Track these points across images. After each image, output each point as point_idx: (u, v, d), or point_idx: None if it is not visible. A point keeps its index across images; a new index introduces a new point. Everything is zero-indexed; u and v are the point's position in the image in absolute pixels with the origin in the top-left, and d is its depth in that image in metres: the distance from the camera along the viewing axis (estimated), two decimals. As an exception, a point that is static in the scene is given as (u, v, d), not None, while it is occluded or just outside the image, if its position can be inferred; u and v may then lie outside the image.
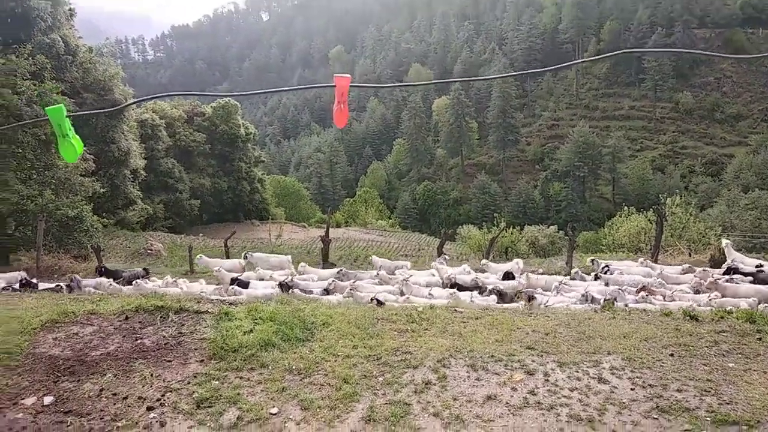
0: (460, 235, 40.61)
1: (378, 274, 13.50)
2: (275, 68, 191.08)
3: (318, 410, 5.07)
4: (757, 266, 12.00)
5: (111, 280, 13.17)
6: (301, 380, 5.65)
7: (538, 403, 5.11)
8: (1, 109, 19.59)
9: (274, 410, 5.10)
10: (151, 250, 30.11)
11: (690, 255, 18.08)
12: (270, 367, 5.90)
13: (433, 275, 13.54)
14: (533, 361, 5.93)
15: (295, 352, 6.27)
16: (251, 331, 6.66)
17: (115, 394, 5.38)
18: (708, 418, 4.72)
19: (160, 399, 5.30)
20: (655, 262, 15.39)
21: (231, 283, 11.89)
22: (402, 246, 50.54)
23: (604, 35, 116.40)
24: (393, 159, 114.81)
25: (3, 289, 11.31)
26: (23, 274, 12.80)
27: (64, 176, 20.92)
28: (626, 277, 12.23)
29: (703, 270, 12.06)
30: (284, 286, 11.40)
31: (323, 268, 16.27)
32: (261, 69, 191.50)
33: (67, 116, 2.92)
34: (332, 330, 6.94)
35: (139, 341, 6.52)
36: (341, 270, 14.04)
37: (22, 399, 5.28)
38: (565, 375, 5.60)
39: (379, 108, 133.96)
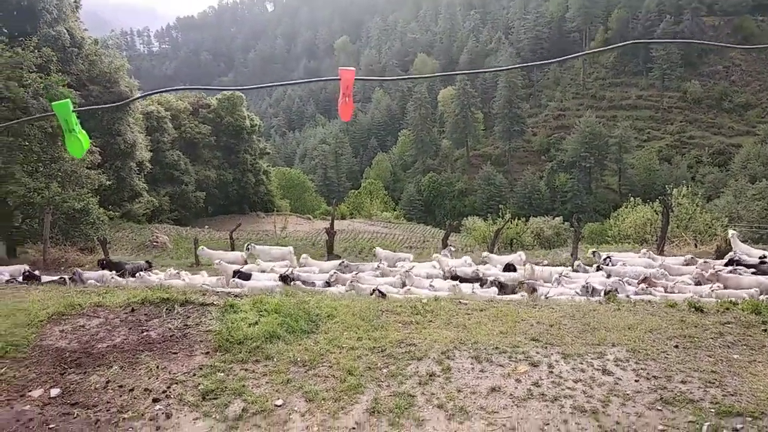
0: (465, 227, 40.64)
1: (378, 266, 13.54)
2: (280, 59, 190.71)
3: (323, 402, 5.09)
4: (760, 257, 11.93)
5: (114, 272, 13.26)
6: (305, 372, 5.68)
7: (542, 394, 5.11)
8: (8, 102, 19.65)
9: (279, 402, 5.12)
10: (157, 242, 30.26)
11: (696, 246, 18.00)
12: (275, 359, 5.93)
13: (435, 267, 13.57)
14: (537, 352, 5.92)
15: (299, 344, 6.30)
16: (256, 323, 6.68)
17: (121, 386, 5.42)
18: (712, 410, 4.71)
19: (165, 391, 5.34)
20: (661, 253, 15.33)
21: (233, 276, 11.96)
22: (407, 238, 50.58)
23: (611, 24, 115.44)
24: (398, 150, 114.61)
25: (7, 282, 11.40)
26: (26, 266, 12.91)
27: (71, 169, 21.01)
28: (628, 268, 12.20)
29: (705, 261, 12.02)
30: (286, 279, 11.44)
31: (328, 260, 16.32)
32: (266, 60, 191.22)
33: (73, 111, 2.92)
34: (337, 322, 6.96)
35: (145, 333, 6.56)
36: (343, 262, 14.07)
37: (30, 391, 5.33)
38: (569, 367, 5.60)
39: (385, 99, 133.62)
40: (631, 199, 29.98)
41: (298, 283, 11.27)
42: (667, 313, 7.20)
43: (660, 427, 4.51)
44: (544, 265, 13.95)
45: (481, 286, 11.35)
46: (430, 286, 11.08)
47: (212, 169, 62.56)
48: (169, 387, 5.40)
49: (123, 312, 7.15)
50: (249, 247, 16.01)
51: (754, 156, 72.43)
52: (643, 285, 10.33)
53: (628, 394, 5.04)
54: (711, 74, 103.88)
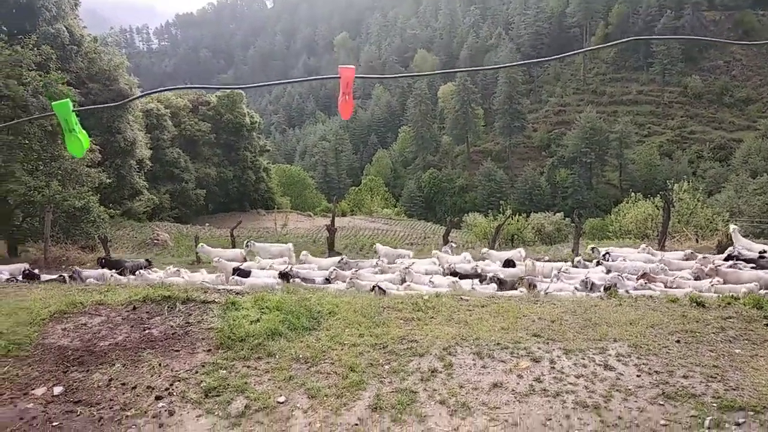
0: (465, 223, 40.63)
1: (377, 263, 13.57)
2: (280, 55, 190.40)
3: (325, 398, 5.11)
4: (760, 252, 11.93)
5: (113, 271, 13.28)
6: (308, 369, 5.69)
7: (544, 390, 5.12)
8: (8, 100, 19.62)
9: (282, 399, 5.14)
10: (158, 240, 30.27)
11: (697, 241, 17.99)
12: (277, 356, 5.94)
13: (434, 263, 13.59)
14: (539, 348, 5.93)
15: (301, 341, 6.31)
16: (258, 320, 6.70)
17: (124, 384, 5.44)
18: (714, 404, 4.72)
19: (168, 388, 5.35)
20: (662, 248, 15.33)
21: (233, 273, 11.98)
22: (407, 234, 50.56)
23: (612, 19, 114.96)
24: (398, 147, 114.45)
25: (7, 280, 11.42)
26: (26, 265, 12.93)
27: (71, 167, 20.99)
28: (628, 263, 12.20)
29: (704, 257, 12.02)
30: (285, 275, 11.46)
31: (329, 256, 16.32)
32: (265, 56, 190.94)
33: (73, 111, 2.91)
34: (338, 319, 6.97)
35: (146, 331, 6.58)
36: (342, 259, 14.09)
37: (33, 389, 5.35)
38: (571, 362, 5.61)
39: (384, 95, 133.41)
40: (632, 194, 29.92)
41: (297, 280, 11.29)
42: (669, 308, 7.20)
43: (662, 422, 4.52)
44: (546, 261, 13.95)
45: (481, 282, 11.36)
46: (430, 282, 11.11)
47: (212, 166, 62.51)
48: (171, 384, 5.42)
49: (125, 310, 7.17)
50: (248, 244, 16.05)
51: (755, 151, 72.19)
52: (642, 280, 10.34)
53: (629, 389, 5.05)
54: (712, 69, 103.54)
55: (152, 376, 5.59)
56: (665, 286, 10.22)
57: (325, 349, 6.10)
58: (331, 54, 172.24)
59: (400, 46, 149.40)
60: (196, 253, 18.31)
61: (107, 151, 34.06)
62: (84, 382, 5.49)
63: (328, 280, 11.67)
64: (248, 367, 5.75)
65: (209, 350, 6.12)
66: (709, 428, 4.39)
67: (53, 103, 2.82)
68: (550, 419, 4.66)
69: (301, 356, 5.93)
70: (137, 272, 13.03)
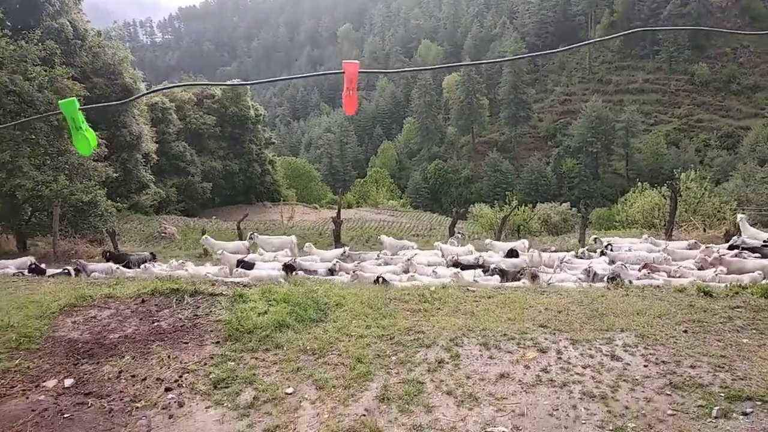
0: (471, 214, 40.59)
1: (379, 255, 13.64)
2: (283, 47, 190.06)
3: (332, 389, 5.14)
4: (764, 241, 11.88)
5: (118, 264, 13.37)
6: (315, 360, 5.73)
7: (551, 380, 5.13)
8: (14, 95, 19.68)
9: (290, 390, 5.17)
10: (165, 233, 30.41)
11: (705, 230, 17.90)
12: (285, 348, 5.98)
13: (437, 255, 13.64)
14: (546, 338, 5.94)
15: (309, 333, 6.35)
16: (266, 312, 6.74)
17: (133, 376, 5.49)
18: (722, 394, 4.71)
19: (177, 380, 5.40)
20: (670, 237, 15.27)
21: (237, 265, 12.06)
22: (413, 226, 50.58)
23: (617, 6, 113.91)
24: (403, 138, 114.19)
25: (13, 275, 11.51)
26: (32, 259, 13.04)
27: (78, 161, 21.07)
28: (631, 254, 12.18)
29: (707, 246, 11.98)
30: (289, 267, 11.53)
31: (335, 249, 16.39)
32: (269, 48, 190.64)
33: (80, 108, 2.93)
34: (345, 310, 7.01)
35: (155, 324, 6.63)
36: (345, 251, 14.16)
37: (44, 381, 5.41)
38: (577, 352, 5.62)
39: (389, 87, 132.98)
40: (639, 183, 29.76)
41: (300, 272, 11.35)
42: (676, 297, 7.19)
43: (669, 412, 4.53)
44: (552, 252, 13.93)
45: (484, 273, 11.39)
46: (433, 272, 11.18)
47: (218, 159, 62.64)
48: (180, 376, 5.47)
49: (133, 303, 7.23)
50: (251, 236, 16.18)
51: (763, 139, 71.54)
52: (644, 270, 10.32)
53: (636, 380, 5.05)
54: (719, 56, 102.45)
55: (161, 368, 5.64)
56: (668, 276, 10.20)
57: (333, 340, 6.13)
58: (335, 45, 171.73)
59: (403, 37, 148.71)
60: (203, 245, 18.42)
61: (113, 146, 34.21)
62: (94, 374, 5.55)
63: (331, 272, 11.73)
64: (256, 358, 5.79)
65: (217, 342, 6.17)
66: (716, 418, 4.40)
67: (60, 101, 2.83)
68: (557, 409, 4.67)
69: (308, 348, 5.97)
70: (142, 266, 13.11)
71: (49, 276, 11.17)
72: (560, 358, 5.53)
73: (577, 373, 5.22)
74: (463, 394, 4.96)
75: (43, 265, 12.73)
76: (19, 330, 6.32)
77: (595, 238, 14.64)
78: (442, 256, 13.57)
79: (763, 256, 10.90)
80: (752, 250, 11.45)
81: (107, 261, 14.11)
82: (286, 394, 5.11)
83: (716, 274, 9.68)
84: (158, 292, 7.49)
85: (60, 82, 21.25)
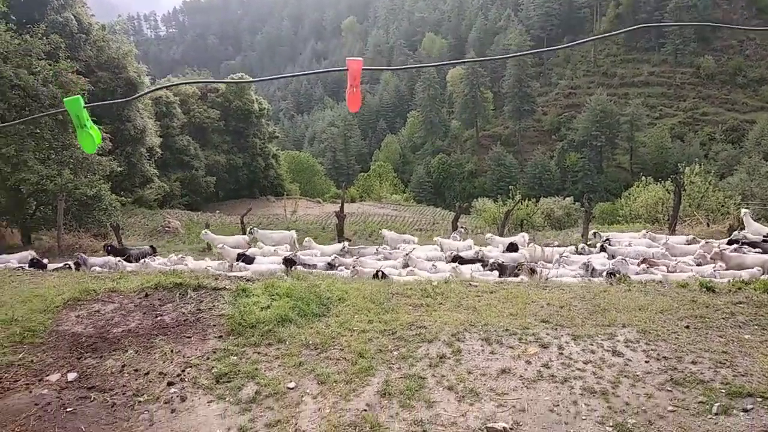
0: (475, 208, 40.53)
1: (378, 250, 13.67)
2: (287, 41, 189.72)
3: (334, 384, 5.16)
4: (764, 236, 11.83)
5: (119, 258, 13.42)
6: (317, 355, 5.75)
7: (552, 376, 5.14)
8: (18, 90, 19.73)
9: (292, 385, 5.20)
10: (169, 227, 30.49)
11: (708, 225, 17.81)
12: (287, 343, 6.00)
13: (436, 249, 13.67)
14: (548, 334, 5.94)
15: (311, 328, 6.36)
16: (268, 307, 6.76)
17: (136, 370, 5.52)
18: (723, 390, 4.71)
19: (180, 374, 5.43)
20: (673, 232, 15.22)
21: (237, 259, 12.10)
22: (416, 220, 50.58)
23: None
24: (407, 132, 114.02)
25: (15, 269, 11.55)
26: (33, 253, 13.09)
27: (82, 156, 21.12)
28: (631, 249, 12.15)
29: (707, 241, 11.93)
30: (289, 262, 11.57)
31: (339, 242, 16.43)
32: (273, 42, 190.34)
33: (84, 106, 2.94)
34: (348, 305, 7.02)
35: (159, 318, 6.66)
36: (345, 246, 14.21)
37: (47, 375, 5.44)
38: (579, 348, 5.62)
39: (393, 80, 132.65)
40: (643, 178, 29.60)
41: (299, 267, 11.40)
42: (678, 293, 7.18)
43: (670, 408, 4.53)
44: (555, 246, 13.91)
45: (483, 267, 11.40)
46: (433, 266, 11.21)
47: (222, 153, 62.70)
48: (183, 370, 5.50)
49: (137, 297, 7.26)
50: (251, 231, 16.28)
51: (769, 132, 71.12)
52: (643, 266, 10.31)
53: (638, 375, 5.06)
54: (725, 49, 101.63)
55: (164, 362, 5.67)
56: (668, 271, 10.18)
57: (335, 335, 6.15)
58: (339, 38, 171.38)
59: (408, 30, 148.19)
60: (204, 240, 18.48)
61: (118, 140, 34.28)
62: (97, 368, 5.59)
63: (331, 266, 11.78)
64: (259, 353, 5.82)
65: (220, 336, 6.20)
66: (716, 414, 4.40)
67: (65, 99, 2.84)
68: (558, 405, 4.68)
69: (310, 342, 5.99)
70: (141, 260, 13.15)
71: (50, 270, 11.22)
72: (561, 353, 5.54)
73: (579, 369, 5.23)
74: (464, 390, 4.97)
75: (45, 260, 12.78)
76: (23, 324, 6.36)
77: (594, 233, 14.63)
78: (441, 250, 13.60)
79: (764, 252, 10.85)
80: (752, 245, 11.40)
81: (108, 255, 14.17)
82: (288, 388, 5.14)
83: (714, 270, 9.64)
84: (162, 286, 7.52)
85: (64, 76, 21.30)
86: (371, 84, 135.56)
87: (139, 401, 5.04)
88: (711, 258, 10.51)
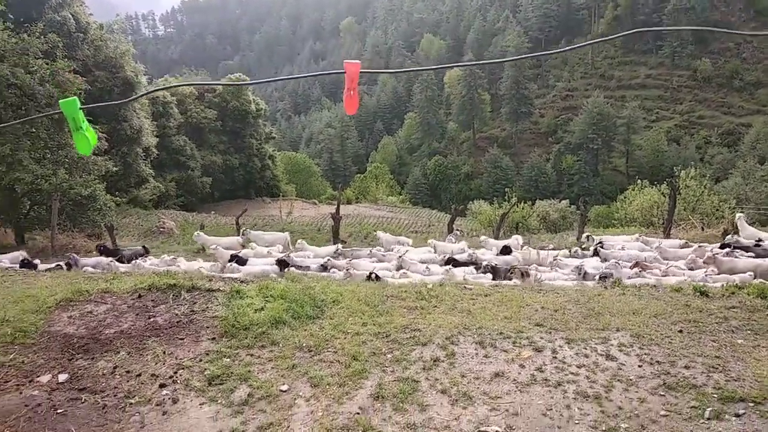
0: (470, 211, 40.56)
1: (371, 252, 13.68)
2: (286, 41, 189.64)
3: (327, 387, 5.14)
4: (756, 240, 11.87)
5: (111, 258, 13.36)
6: (311, 357, 5.73)
7: (546, 380, 5.13)
8: (15, 89, 19.64)
9: (285, 387, 5.18)
10: (164, 228, 30.38)
11: (703, 229, 17.86)
12: (281, 345, 5.98)
13: (430, 251, 13.69)
14: (542, 338, 5.94)
15: (305, 330, 6.35)
16: (262, 308, 6.74)
17: (128, 372, 5.50)
18: (715, 395, 4.71)
19: (172, 376, 5.41)
20: (668, 236, 15.26)
21: (230, 260, 12.09)
22: (412, 222, 50.53)
23: (620, 0, 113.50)
24: (404, 133, 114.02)
25: (6, 269, 11.47)
26: (24, 253, 13.01)
27: (78, 155, 21.02)
28: (623, 252, 12.19)
29: (699, 245, 11.97)
30: (282, 263, 11.56)
31: (334, 244, 16.41)
32: (271, 42, 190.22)
33: (81, 108, 2.92)
34: (342, 307, 7.01)
35: (151, 319, 6.63)
36: (338, 248, 14.22)
37: (38, 376, 5.41)
38: (573, 352, 5.62)
39: (390, 81, 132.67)
40: (639, 181, 29.69)
41: (292, 268, 11.39)
42: (672, 297, 7.19)
43: (662, 413, 4.53)
44: (550, 249, 13.94)
45: (476, 270, 11.42)
46: (426, 268, 11.22)
47: (218, 154, 62.54)
48: (175, 372, 5.47)
49: (130, 298, 7.23)
50: (245, 232, 16.30)
51: (764, 136, 71.40)
52: (636, 269, 10.34)
53: (631, 380, 5.06)
54: (722, 52, 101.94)
55: (156, 364, 5.64)
56: (660, 275, 10.20)
57: (329, 337, 6.13)
58: (338, 39, 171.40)
59: (406, 31, 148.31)
60: (196, 241, 18.44)
61: (114, 139, 34.13)
62: (89, 369, 5.55)
63: (324, 268, 11.77)
64: (252, 355, 5.80)
65: (213, 338, 6.17)
66: (709, 419, 4.40)
67: (61, 101, 2.82)
68: (551, 409, 4.68)
69: (304, 345, 5.97)
70: (133, 261, 13.09)
71: (41, 271, 11.15)
72: (555, 357, 5.53)
73: (572, 373, 5.23)
74: (458, 393, 4.97)
75: (36, 261, 12.70)
76: (15, 324, 6.32)
77: (587, 236, 14.69)
78: (435, 252, 13.62)
79: (757, 256, 10.88)
80: (745, 249, 11.43)
81: (101, 255, 14.11)
82: (281, 391, 5.12)
83: (706, 274, 9.66)
84: (155, 287, 7.49)
85: (61, 75, 21.19)
86: (369, 85, 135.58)
87: (131, 403, 5.01)
88: (704, 262, 10.54)
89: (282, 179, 72.64)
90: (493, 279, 10.67)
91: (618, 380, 5.06)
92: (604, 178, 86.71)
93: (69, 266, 12.15)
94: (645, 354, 5.50)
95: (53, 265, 12.33)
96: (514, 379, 5.18)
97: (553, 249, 14.17)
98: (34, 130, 19.63)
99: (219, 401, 4.99)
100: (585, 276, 10.21)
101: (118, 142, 38.92)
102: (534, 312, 6.75)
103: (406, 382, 5.17)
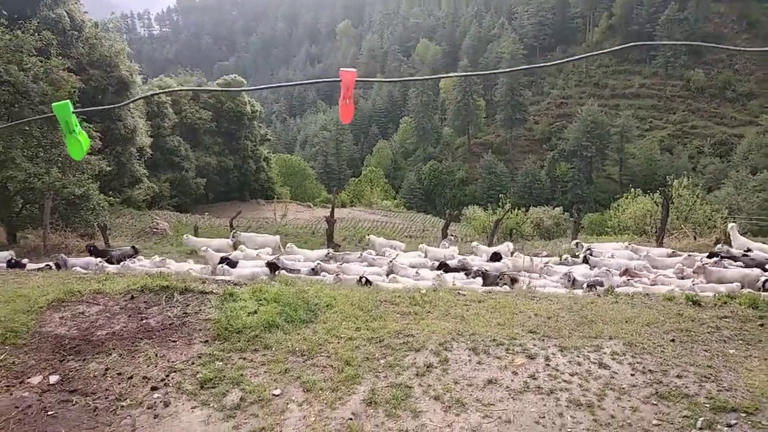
0: (465, 216, 40.63)
1: (362, 255, 13.69)
2: (281, 42, 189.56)
3: (320, 392, 5.13)
4: (744, 250, 11.95)
5: (100, 259, 13.27)
6: (304, 362, 5.71)
7: (539, 387, 5.14)
8: (8, 86, 19.53)
9: (277, 391, 5.16)
10: (157, 228, 30.25)
11: (695, 238, 17.97)
12: (273, 349, 5.96)
13: (420, 256, 13.72)
14: (535, 345, 5.95)
15: (298, 334, 6.33)
16: (255, 312, 6.71)
17: (120, 374, 5.46)
18: (707, 405, 4.73)
19: (164, 379, 5.37)
20: (660, 245, 15.34)
21: (220, 263, 12.05)
22: (406, 227, 50.57)
23: (615, 9, 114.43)
24: (399, 138, 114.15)
25: None
26: (12, 254, 12.90)
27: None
28: (613, 260, 12.25)
29: (688, 255, 12.05)
30: (272, 266, 11.54)
31: (328, 248, 16.39)
32: (267, 43, 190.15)
33: (73, 111, 2.90)
34: (336, 312, 6.99)
35: (144, 321, 6.59)
36: (329, 252, 14.22)
37: (29, 377, 5.37)
38: (565, 359, 5.63)
39: (386, 86, 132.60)
40: (632, 189, 29.85)
41: (283, 271, 11.37)
42: (665, 306, 7.22)
43: (655, 422, 4.54)
44: (543, 256, 13.98)
45: (467, 276, 11.45)
46: (416, 273, 11.24)
47: (213, 155, 62.36)
48: (167, 375, 5.44)
49: (122, 299, 7.18)
50: (234, 234, 16.27)
51: (756, 147, 71.98)
52: (624, 278, 10.39)
53: (623, 388, 5.07)
54: (715, 63, 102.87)
55: (148, 366, 5.61)
56: (649, 283, 10.25)
57: (322, 342, 6.12)
58: (333, 42, 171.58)
59: (402, 35, 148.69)
60: (185, 244, 18.37)
61: (108, 139, 33.94)
62: (80, 371, 5.51)
63: (314, 272, 11.77)
64: (244, 359, 5.77)
65: (206, 341, 6.14)
66: (701, 429, 4.41)
67: (54, 104, 2.80)
68: (543, 417, 4.69)
69: (297, 349, 5.95)
70: (121, 262, 13.01)
71: (29, 271, 11.05)
72: (548, 364, 5.54)
73: (565, 381, 5.24)
74: (451, 400, 4.96)
75: (25, 260, 12.59)
76: (6, 324, 6.27)
77: (577, 243, 14.76)
78: (426, 257, 13.65)
79: (746, 266, 10.97)
80: (733, 258, 11.51)
81: (90, 255, 14.02)
82: (274, 395, 5.10)
83: (694, 284, 9.71)
84: (148, 288, 7.44)
85: (55, 73, 21.09)
86: (364, 89, 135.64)
87: (122, 406, 4.98)
88: (693, 272, 10.60)
89: (277, 181, 72.52)
90: (484, 284, 10.70)
91: (610, 389, 5.08)
92: (597, 186, 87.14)
93: (58, 266, 12.06)
94: (637, 363, 5.52)
95: (42, 265, 12.23)
96: (507, 386, 5.18)
97: (547, 256, 14.21)
98: (27, 129, 19.51)
99: (211, 405, 4.97)
100: (574, 283, 10.26)
101: (112, 142, 38.72)
102: (527, 319, 6.76)
103: (399, 387, 5.16)
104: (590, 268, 11.79)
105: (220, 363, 5.66)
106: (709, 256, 11.70)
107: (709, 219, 22.34)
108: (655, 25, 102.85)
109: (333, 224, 19.78)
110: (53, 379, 5.36)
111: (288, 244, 15.10)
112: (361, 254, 13.89)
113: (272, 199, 63.03)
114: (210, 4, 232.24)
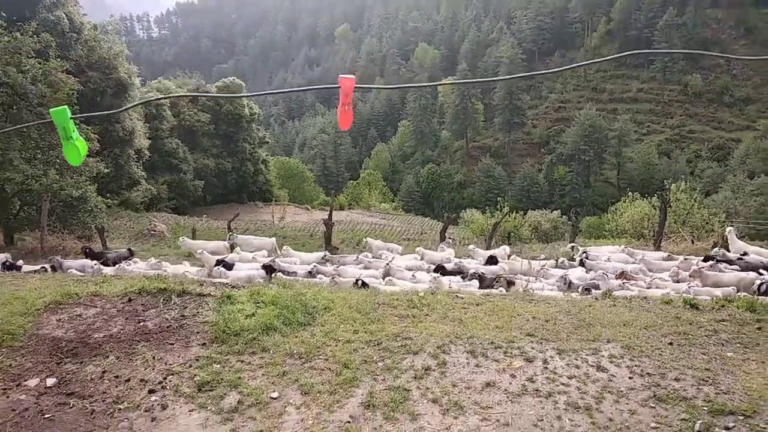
0: (463, 219, 40.67)
1: (357, 257, 13.70)
2: (281, 46, 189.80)
3: (318, 395, 5.11)
4: (741, 253, 11.99)
5: (95, 261, 13.25)
6: (301, 365, 5.69)
7: (537, 390, 5.13)
8: (6, 88, 19.53)
9: (275, 394, 5.14)
10: (155, 231, 30.22)
11: (693, 242, 18.00)
12: (271, 351, 5.94)
13: (416, 258, 13.73)
14: (533, 348, 5.95)
15: (296, 337, 6.31)
16: (253, 314, 6.69)
17: (117, 377, 5.44)
18: (705, 408, 4.73)
19: (161, 382, 5.35)
20: (658, 249, 15.37)
21: (216, 265, 12.04)
22: (404, 230, 50.56)
23: (614, 14, 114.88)
24: (397, 141, 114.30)
25: None
26: (8, 256, 12.88)
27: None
28: (609, 264, 12.27)
29: (685, 258, 12.07)
30: (268, 268, 11.53)
31: (326, 250, 16.39)
32: (266, 46, 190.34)
33: (71, 117, 2.90)
34: (333, 314, 6.97)
35: (141, 324, 6.57)
36: (325, 255, 14.22)
37: (26, 380, 5.34)
38: (564, 362, 5.63)
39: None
40: (630, 193, 29.92)
41: (279, 274, 11.37)
42: (662, 309, 7.23)
43: (653, 425, 4.54)
44: (541, 260, 14.00)
45: (463, 278, 11.46)
46: (413, 276, 11.24)
47: (211, 157, 62.37)
48: (165, 378, 5.42)
49: (120, 302, 7.16)
50: (230, 237, 16.26)
51: (754, 151, 72.27)
52: (620, 281, 10.41)
53: (621, 391, 5.07)
54: (712, 68, 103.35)
55: (146, 369, 5.59)
56: (645, 287, 10.27)
57: (320, 344, 6.10)
58: (332, 45, 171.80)
59: (401, 39, 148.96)
60: (181, 246, 18.35)
61: (106, 141, 33.95)
62: (77, 374, 5.49)
63: (311, 274, 11.77)
64: (242, 361, 5.75)
65: (204, 344, 6.12)
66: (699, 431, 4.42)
67: (51, 110, 2.81)
68: (542, 420, 4.68)
69: (295, 352, 5.94)
70: (117, 265, 13.00)
71: (25, 273, 11.04)
72: (546, 367, 5.54)
73: (563, 384, 5.23)
74: (449, 403, 4.95)
75: (20, 262, 12.56)
76: (2, 327, 6.24)
77: (572, 246, 14.79)
78: (422, 260, 13.66)
79: (741, 269, 10.99)
80: (729, 262, 11.54)
81: (86, 257, 14.00)
82: (271, 398, 5.08)
83: (689, 287, 9.72)
84: (145, 291, 7.41)
85: (54, 75, 21.09)
86: (363, 92, 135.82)
87: (119, 409, 4.96)
88: (690, 275, 10.62)
89: (275, 184, 72.54)
90: (480, 287, 10.71)
91: (609, 392, 5.07)
92: (595, 190, 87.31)
93: (54, 269, 12.03)
94: (635, 366, 5.52)
95: (38, 267, 12.21)
96: (506, 389, 5.17)
97: (545, 259, 14.23)
98: (24, 130, 19.50)
99: (209, 408, 4.95)
100: (570, 286, 10.27)
101: (110, 144, 38.71)
102: (525, 322, 6.76)
103: (397, 390, 5.15)
104: (586, 272, 11.81)
105: (218, 366, 5.64)
106: (705, 260, 11.73)
107: (707, 223, 22.40)
108: (654, 31, 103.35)
109: (331, 227, 19.78)
110: (50, 381, 5.34)
111: (284, 247, 15.11)
112: (357, 257, 13.89)
113: (270, 202, 63.00)
114: (209, 7, 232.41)
